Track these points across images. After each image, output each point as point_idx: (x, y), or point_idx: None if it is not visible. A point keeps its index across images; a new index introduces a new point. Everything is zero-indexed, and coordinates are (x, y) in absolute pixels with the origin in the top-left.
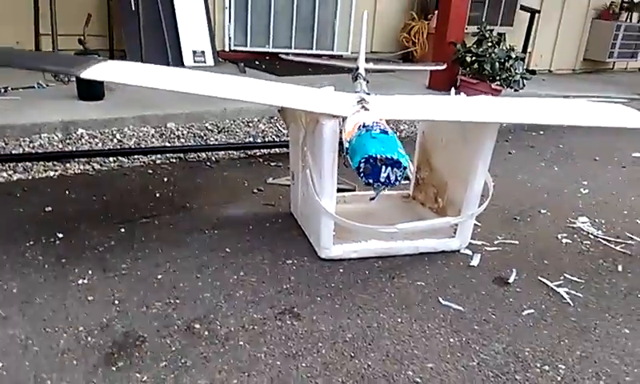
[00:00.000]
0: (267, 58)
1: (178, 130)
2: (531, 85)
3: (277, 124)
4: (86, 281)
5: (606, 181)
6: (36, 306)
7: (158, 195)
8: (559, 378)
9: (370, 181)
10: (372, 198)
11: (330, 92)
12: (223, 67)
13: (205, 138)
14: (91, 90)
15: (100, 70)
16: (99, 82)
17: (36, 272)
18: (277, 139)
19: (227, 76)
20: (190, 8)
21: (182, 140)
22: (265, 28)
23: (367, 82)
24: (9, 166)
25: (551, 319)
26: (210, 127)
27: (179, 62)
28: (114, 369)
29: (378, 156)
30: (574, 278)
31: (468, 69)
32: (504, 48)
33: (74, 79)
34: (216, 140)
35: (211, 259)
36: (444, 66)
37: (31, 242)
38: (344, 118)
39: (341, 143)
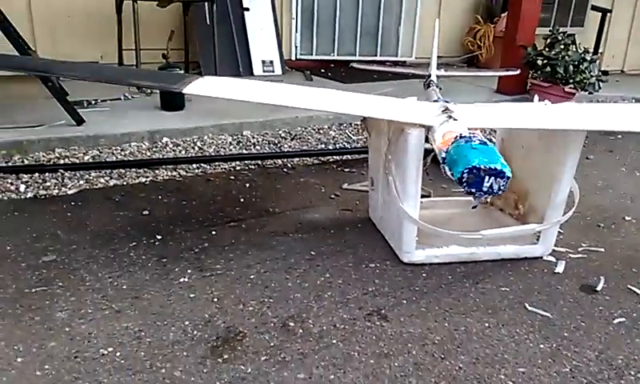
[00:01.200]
0: (332, 65)
1: (253, 137)
2: (604, 86)
3: (346, 131)
4: (186, 279)
5: None
6: (145, 301)
7: (241, 200)
8: None
9: (473, 190)
10: (474, 207)
11: (414, 102)
12: (290, 76)
13: (279, 144)
14: (173, 101)
15: (199, 86)
16: (181, 93)
17: (141, 270)
18: (347, 146)
19: (310, 88)
20: (259, 20)
21: (258, 147)
22: (330, 37)
23: (440, 88)
24: (105, 173)
25: None
26: (282, 134)
27: (249, 72)
28: (220, 360)
29: (482, 166)
30: None
31: (539, 72)
32: (577, 50)
33: (156, 91)
34: (289, 147)
35: (298, 261)
36: (517, 72)
37: (134, 243)
38: (429, 127)
39: (425, 151)
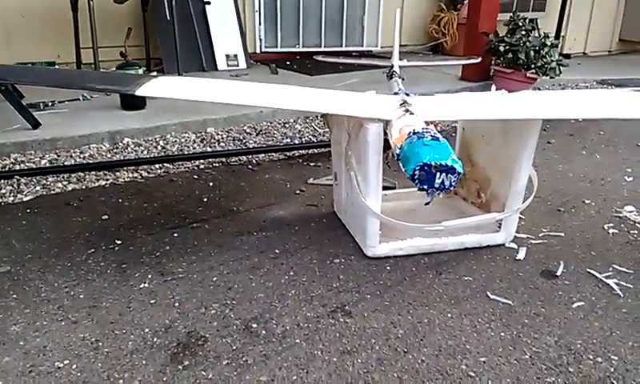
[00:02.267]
0: (298, 57)
1: (217, 134)
2: (566, 70)
3: (312, 124)
4: (146, 285)
5: None
6: (103, 309)
7: (205, 200)
8: (612, 370)
9: (425, 187)
10: (427, 203)
11: (372, 95)
12: (255, 69)
13: (244, 140)
14: (134, 100)
15: (153, 87)
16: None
17: (100, 278)
18: (313, 139)
19: (271, 85)
20: (221, 14)
21: (222, 144)
22: (294, 28)
23: (402, 79)
24: (63, 177)
25: (602, 311)
26: (247, 130)
27: (213, 67)
28: (180, 367)
29: (433, 163)
30: (623, 269)
31: (502, 58)
32: (538, 35)
33: None
34: (255, 142)
35: (262, 261)
36: (479, 60)
37: (92, 250)
38: (388, 121)
39: (385, 143)
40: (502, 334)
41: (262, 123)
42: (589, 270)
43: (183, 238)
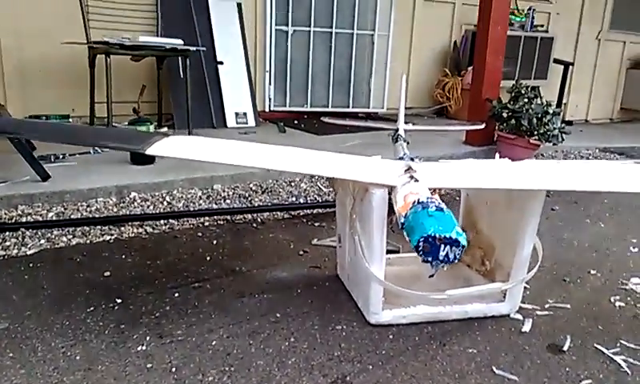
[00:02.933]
0: (306, 116)
1: (224, 191)
2: (569, 137)
3: (317, 183)
4: (144, 347)
5: None
6: (98, 373)
7: (208, 258)
8: None
9: (429, 259)
10: (431, 275)
11: (378, 160)
12: (264, 128)
13: (249, 198)
14: (143, 155)
15: (163, 147)
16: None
17: (97, 338)
18: (318, 199)
19: (277, 147)
20: (233, 74)
21: (228, 201)
22: (303, 88)
23: (407, 142)
24: (68, 231)
25: None
26: (254, 188)
27: (223, 124)
28: None
29: (437, 235)
30: (631, 345)
31: (505, 124)
32: (540, 103)
33: None
34: (260, 200)
35: (262, 325)
36: (482, 126)
37: (92, 308)
38: (393, 187)
39: (390, 208)
40: None
41: (268, 181)
42: (596, 345)
43: (184, 298)
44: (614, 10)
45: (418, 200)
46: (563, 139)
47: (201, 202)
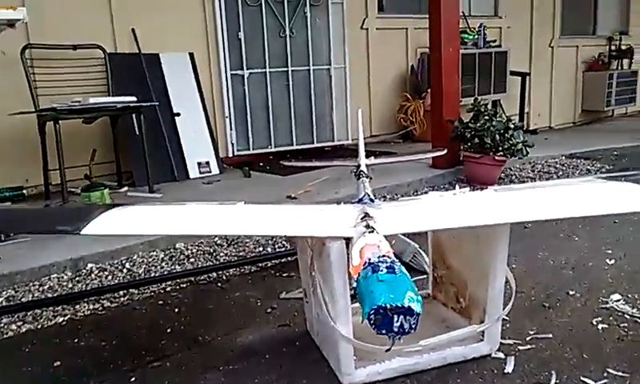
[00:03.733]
0: (271, 157)
1: (187, 249)
2: (535, 147)
3: None
4: None
5: (631, 245)
6: None
7: (168, 330)
8: None
9: (383, 331)
10: (387, 350)
11: (334, 209)
12: (228, 174)
13: (214, 253)
14: None
15: (101, 223)
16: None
17: None
18: (287, 245)
19: (229, 208)
20: (191, 123)
21: (192, 260)
22: (265, 130)
23: (370, 178)
24: (18, 317)
25: None
26: (219, 241)
27: (185, 175)
28: None
29: (388, 305)
30: (619, 373)
31: (469, 144)
32: (501, 119)
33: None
34: (226, 255)
35: None
36: (444, 151)
37: None
38: (349, 239)
39: None
40: None
41: (234, 235)
42: (583, 378)
43: (141, 381)
44: (563, 17)
45: (369, 261)
46: (527, 152)
47: (163, 264)
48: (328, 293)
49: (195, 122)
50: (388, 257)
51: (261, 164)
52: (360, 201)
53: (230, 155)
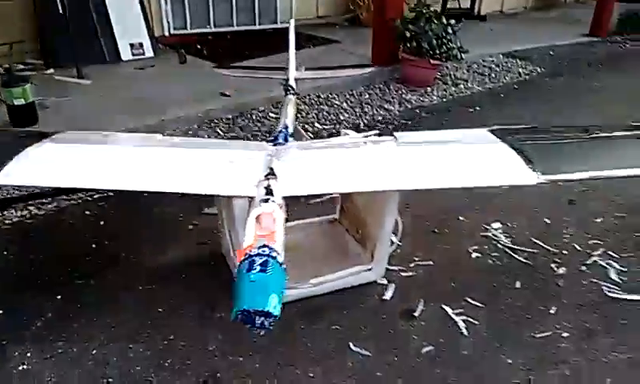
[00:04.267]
0: (210, 37)
1: None
2: (474, 41)
3: (216, 129)
4: (25, 366)
5: None
6: None
7: (94, 245)
8: None
9: (248, 325)
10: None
11: (243, 157)
12: (163, 57)
13: None
14: (23, 115)
15: (11, 173)
16: (31, 105)
17: None
18: None
19: (138, 161)
20: (123, 1)
21: None
22: (203, 8)
23: (297, 94)
24: None
25: (446, 355)
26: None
27: (116, 58)
28: None
29: (251, 310)
30: (476, 302)
31: (408, 45)
32: (440, 23)
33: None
34: None
35: (143, 323)
36: (371, 69)
37: None
38: (252, 199)
39: None
40: None
41: (165, 133)
42: (443, 306)
43: (67, 298)
44: None
45: (249, 254)
46: (462, 58)
47: None
48: (235, 237)
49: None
50: (268, 247)
51: (198, 46)
52: (275, 139)
53: (167, 34)
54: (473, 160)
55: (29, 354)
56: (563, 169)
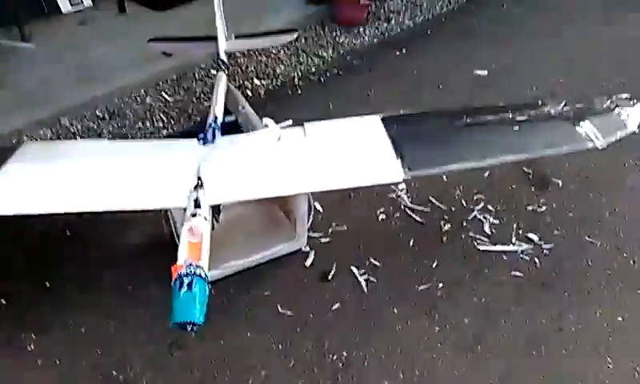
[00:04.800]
0: None
1: (72, 125)
2: None
3: (162, 93)
4: (33, 346)
5: None
6: None
7: (69, 234)
8: (344, 365)
9: (178, 328)
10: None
11: (173, 163)
12: (102, 7)
13: (97, 129)
14: None
15: None
16: None
17: None
18: (164, 118)
19: (78, 174)
20: None
21: (78, 137)
22: None
23: (228, 68)
24: None
25: (350, 311)
26: (101, 114)
27: (56, 9)
28: None
29: (182, 321)
30: (376, 262)
31: None
32: None
33: None
34: (109, 130)
35: (120, 300)
36: (296, 34)
37: None
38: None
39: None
40: (281, 346)
41: (115, 101)
42: (352, 267)
43: (56, 285)
44: None
45: (179, 274)
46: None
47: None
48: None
49: None
50: (194, 266)
51: None
52: (204, 137)
53: None
54: (352, 158)
55: (34, 336)
56: (434, 161)
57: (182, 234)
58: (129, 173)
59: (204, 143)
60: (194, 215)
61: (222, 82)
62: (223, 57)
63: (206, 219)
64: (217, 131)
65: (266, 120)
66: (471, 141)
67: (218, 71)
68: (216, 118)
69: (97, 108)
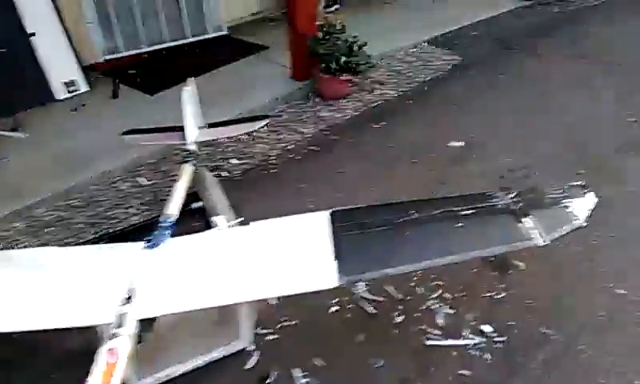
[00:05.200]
0: (146, 55)
1: (44, 216)
2: (398, 30)
3: (138, 179)
4: None
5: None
6: None
7: None
8: None
9: None
10: None
11: (105, 277)
12: (97, 92)
13: (71, 220)
14: None
15: None
16: None
17: None
18: (139, 205)
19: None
20: (49, 40)
21: (51, 229)
22: (133, 31)
23: (198, 155)
24: None
25: None
26: (76, 203)
27: (50, 97)
28: None
29: None
30: (322, 362)
31: (322, 64)
32: (346, 40)
33: None
34: (83, 221)
35: None
36: (266, 122)
37: None
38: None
39: None
40: None
41: (91, 189)
42: (292, 370)
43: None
44: None
45: None
46: (369, 69)
47: (24, 237)
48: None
49: (54, 38)
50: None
51: (131, 71)
52: (149, 241)
53: (101, 60)
54: (291, 263)
55: None
56: (373, 265)
57: (99, 354)
58: (59, 286)
59: (150, 247)
60: (113, 335)
61: (184, 176)
62: (191, 147)
63: (129, 336)
64: (166, 233)
65: (216, 219)
66: (412, 240)
67: (182, 163)
68: (168, 217)
69: (72, 197)
